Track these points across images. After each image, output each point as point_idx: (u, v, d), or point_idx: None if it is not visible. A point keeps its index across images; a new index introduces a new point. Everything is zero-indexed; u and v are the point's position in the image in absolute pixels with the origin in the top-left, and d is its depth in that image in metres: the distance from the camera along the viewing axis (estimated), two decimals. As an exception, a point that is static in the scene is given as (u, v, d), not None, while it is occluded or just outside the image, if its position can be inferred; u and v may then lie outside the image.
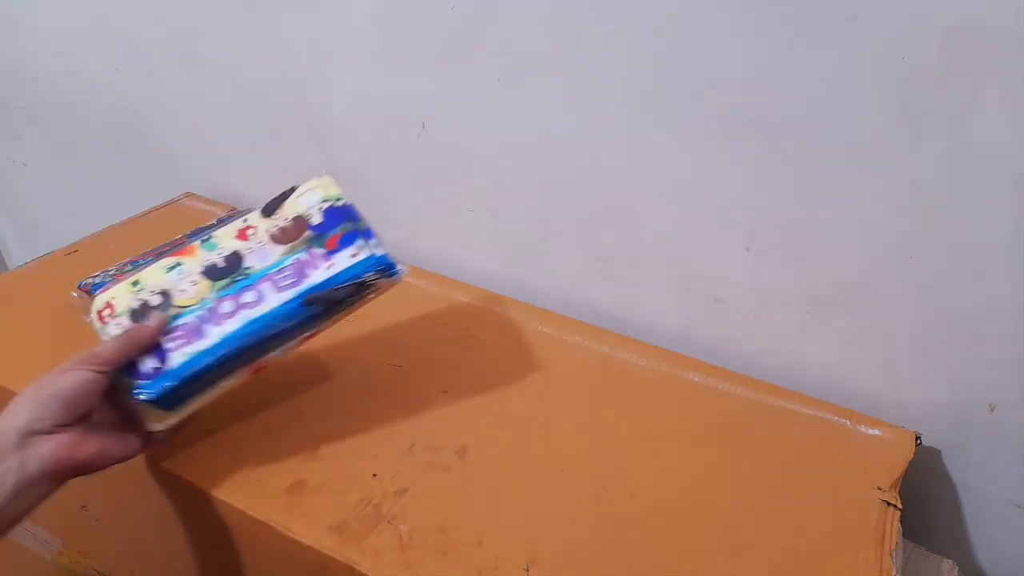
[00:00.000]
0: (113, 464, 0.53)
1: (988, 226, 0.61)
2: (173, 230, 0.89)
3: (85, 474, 0.51)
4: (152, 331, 0.55)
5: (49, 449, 0.48)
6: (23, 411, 0.48)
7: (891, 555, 0.55)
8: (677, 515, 0.58)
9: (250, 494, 0.59)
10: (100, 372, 0.51)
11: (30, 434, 0.48)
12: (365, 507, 0.58)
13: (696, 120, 0.69)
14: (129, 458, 0.54)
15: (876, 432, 0.67)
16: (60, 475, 0.49)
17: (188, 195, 1.06)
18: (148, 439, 0.56)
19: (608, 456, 0.63)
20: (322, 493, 0.59)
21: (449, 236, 0.91)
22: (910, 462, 0.64)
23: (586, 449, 0.64)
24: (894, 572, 0.54)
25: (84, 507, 0.75)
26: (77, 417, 0.50)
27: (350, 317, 0.61)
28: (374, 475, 0.61)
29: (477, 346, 0.76)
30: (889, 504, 0.59)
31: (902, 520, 0.59)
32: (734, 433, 0.67)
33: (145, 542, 0.72)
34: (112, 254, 0.84)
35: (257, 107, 0.96)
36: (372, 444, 0.64)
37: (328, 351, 0.73)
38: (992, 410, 0.67)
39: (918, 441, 0.66)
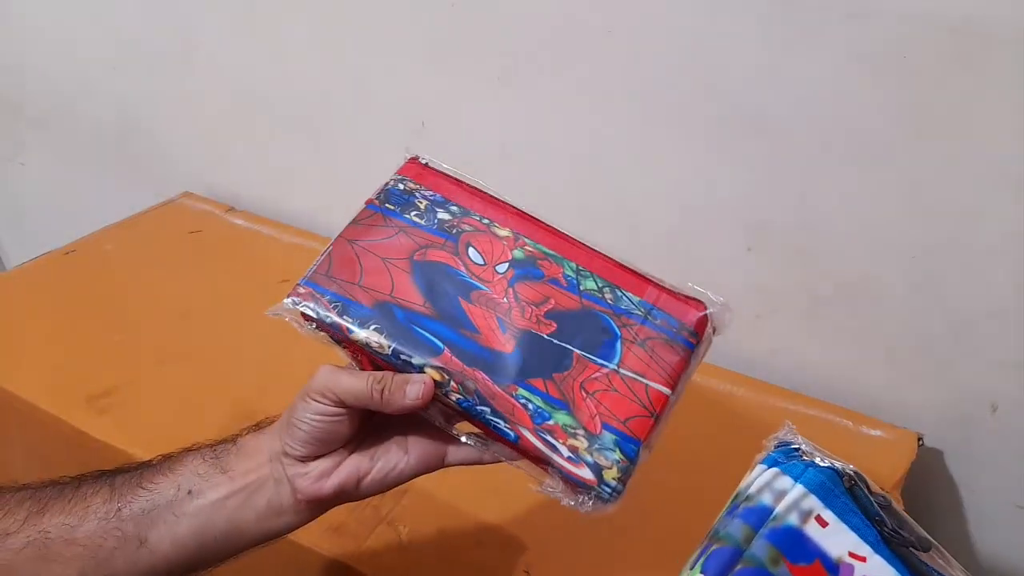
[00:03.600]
0: (397, 484, 0.44)
1: (988, 226, 0.61)
2: (172, 230, 0.89)
3: (355, 500, 0.45)
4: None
5: (292, 476, 0.43)
6: (280, 432, 0.44)
7: (892, 556, 0.55)
8: (677, 515, 0.58)
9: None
10: (339, 407, 0.43)
11: (284, 455, 0.43)
12: (365, 507, 0.57)
13: (696, 120, 0.69)
14: (413, 477, 0.45)
15: (878, 433, 0.67)
16: (309, 505, 0.43)
17: (187, 195, 1.06)
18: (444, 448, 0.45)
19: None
20: (321, 493, 0.59)
21: (449, 236, 0.91)
22: (912, 463, 0.63)
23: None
24: (896, 573, 0.54)
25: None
26: (327, 449, 0.43)
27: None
28: (374, 475, 0.60)
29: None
30: (890, 504, 0.59)
31: (903, 521, 0.59)
32: (736, 434, 0.66)
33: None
34: (110, 254, 0.84)
35: (256, 107, 0.96)
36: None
37: (326, 352, 0.72)
38: (994, 411, 0.67)
39: (920, 442, 0.66)
